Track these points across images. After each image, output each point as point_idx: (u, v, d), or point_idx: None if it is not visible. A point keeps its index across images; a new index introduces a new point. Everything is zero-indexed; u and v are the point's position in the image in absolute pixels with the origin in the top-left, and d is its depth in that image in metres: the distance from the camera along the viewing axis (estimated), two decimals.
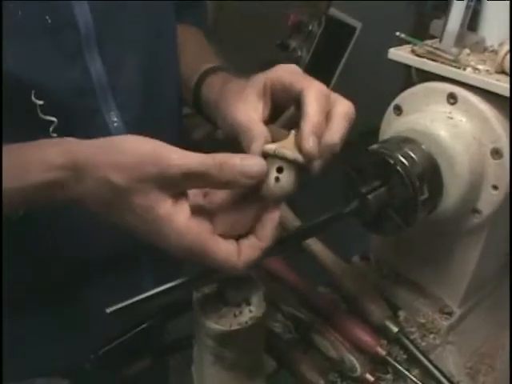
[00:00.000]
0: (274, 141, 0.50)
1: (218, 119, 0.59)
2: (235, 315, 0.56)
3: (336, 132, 0.49)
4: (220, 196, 0.48)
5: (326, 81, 0.87)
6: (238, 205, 0.47)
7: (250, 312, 0.56)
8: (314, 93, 0.49)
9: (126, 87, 0.64)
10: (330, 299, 0.71)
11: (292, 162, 0.47)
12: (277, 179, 0.46)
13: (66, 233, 0.66)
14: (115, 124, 0.65)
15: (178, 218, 0.44)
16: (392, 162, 0.56)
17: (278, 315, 0.70)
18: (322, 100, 0.49)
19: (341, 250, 0.77)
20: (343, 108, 0.50)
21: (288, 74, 0.52)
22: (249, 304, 0.57)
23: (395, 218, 0.57)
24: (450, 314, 0.69)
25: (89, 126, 0.62)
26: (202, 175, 0.43)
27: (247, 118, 0.51)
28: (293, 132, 0.49)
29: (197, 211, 0.46)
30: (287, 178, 0.47)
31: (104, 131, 0.64)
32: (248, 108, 0.52)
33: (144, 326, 0.64)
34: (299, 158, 0.47)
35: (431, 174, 0.59)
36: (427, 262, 0.71)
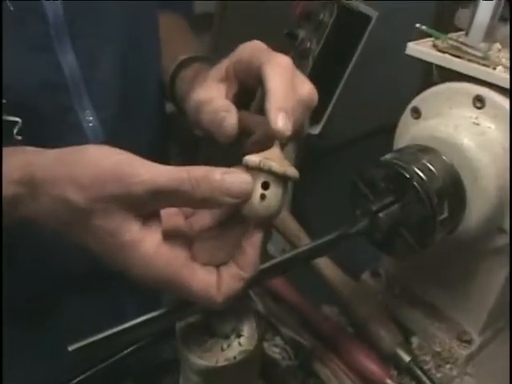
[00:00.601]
0: (246, 131, 0.47)
1: (188, 115, 0.53)
2: (222, 349, 0.50)
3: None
4: (204, 218, 0.45)
5: (337, 75, 0.84)
6: (223, 228, 0.43)
7: (239, 345, 0.50)
8: (274, 66, 0.44)
9: (102, 83, 0.60)
10: (334, 322, 0.67)
11: (280, 177, 0.42)
12: (262, 197, 0.41)
13: (43, 246, 0.61)
14: (90, 124, 0.60)
15: (146, 243, 0.39)
16: (407, 175, 0.50)
17: (277, 338, 0.65)
18: (285, 74, 0.44)
19: (349, 263, 0.72)
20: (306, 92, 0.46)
21: (248, 51, 0.47)
22: (239, 335, 0.51)
23: (409, 239, 0.52)
24: (469, 341, 0.64)
25: (60, 127, 0.57)
26: (175, 193, 0.38)
27: (208, 94, 0.48)
28: (277, 141, 0.44)
29: (172, 235, 0.42)
30: (274, 196, 0.42)
31: (78, 132, 0.59)
32: (208, 89, 0.48)
33: (127, 351, 0.58)
34: (290, 172, 0.42)
35: (453, 189, 0.53)
36: (445, 282, 0.66)
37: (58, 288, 0.66)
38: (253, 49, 0.48)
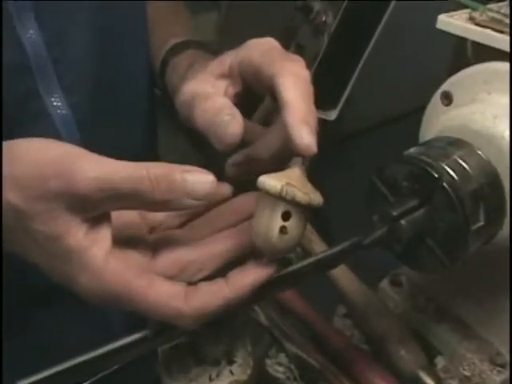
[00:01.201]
0: (245, 142, 0.45)
1: (178, 110, 0.49)
2: (211, 378, 0.45)
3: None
4: (176, 222, 0.44)
5: (355, 54, 0.77)
6: (195, 233, 0.43)
7: (231, 374, 0.45)
8: (289, 77, 0.42)
9: (73, 65, 0.55)
10: (346, 337, 0.61)
11: (303, 206, 0.39)
12: (282, 230, 0.38)
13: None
14: (59, 111, 0.54)
15: (92, 251, 0.37)
16: (435, 174, 0.45)
17: (281, 355, 0.60)
18: (303, 85, 0.42)
19: (365, 268, 0.66)
20: None
21: (259, 54, 0.44)
22: (231, 362, 0.45)
23: (436, 252, 0.46)
24: (503, 366, 0.58)
25: (24, 114, 0.52)
26: (131, 192, 0.36)
27: (204, 89, 0.45)
28: (300, 161, 0.41)
29: (131, 242, 0.40)
30: (295, 228, 0.39)
31: (44, 120, 0.54)
32: (205, 83, 0.46)
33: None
34: (315, 200, 0.39)
35: (490, 191, 0.47)
36: (478, 294, 0.60)
37: (35, 300, 0.62)
38: (264, 51, 0.45)
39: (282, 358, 0.59)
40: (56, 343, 0.57)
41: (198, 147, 0.87)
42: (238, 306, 0.40)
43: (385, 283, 0.66)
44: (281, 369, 0.59)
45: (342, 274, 0.62)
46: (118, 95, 0.61)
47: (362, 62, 0.75)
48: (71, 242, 0.36)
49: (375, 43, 0.79)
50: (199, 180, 0.38)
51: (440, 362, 0.60)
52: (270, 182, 0.39)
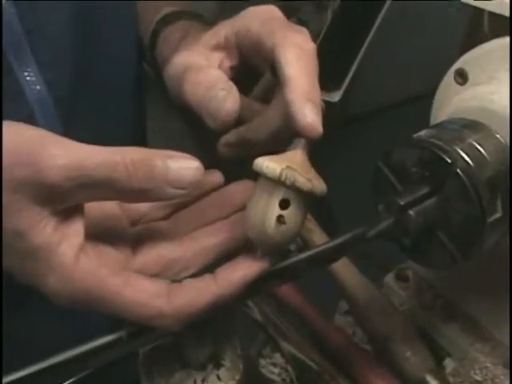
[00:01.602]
0: (239, 119, 0.42)
1: (167, 85, 0.47)
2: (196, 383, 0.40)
3: None
4: (160, 213, 0.43)
5: (361, 32, 0.74)
6: (181, 226, 0.41)
7: (218, 379, 0.42)
8: (292, 49, 0.40)
9: (50, 37, 0.52)
10: (347, 336, 0.59)
11: (304, 193, 0.37)
12: (280, 219, 0.36)
13: None
14: (32, 86, 0.51)
15: (61, 248, 0.35)
16: (448, 159, 0.42)
17: (276, 355, 0.58)
18: (306, 58, 0.40)
19: (368, 261, 0.65)
20: None
21: (258, 23, 0.42)
22: (218, 365, 0.42)
23: (448, 246, 0.43)
24: None
25: None
26: (104, 181, 0.34)
27: (196, 60, 0.44)
28: (303, 143, 0.38)
29: (108, 236, 0.38)
30: (294, 218, 0.37)
31: (18, 98, 0.51)
32: (198, 55, 0.44)
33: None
34: (317, 187, 0.37)
35: (508, 179, 0.44)
36: (490, 291, 0.57)
37: (6, 299, 0.58)
38: (264, 20, 0.43)
39: (278, 358, 0.58)
40: (30, 344, 0.54)
41: (191, 129, 0.84)
42: (227, 304, 0.37)
43: (390, 278, 0.64)
44: (276, 370, 0.57)
45: (342, 267, 0.60)
46: (101, 72, 0.59)
47: (367, 40, 0.73)
48: (38, 238, 0.34)
49: (383, 22, 0.77)
50: (182, 166, 0.35)
51: (449, 364, 0.58)
52: (269, 164, 0.36)
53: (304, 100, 0.38)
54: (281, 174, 0.36)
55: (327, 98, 0.73)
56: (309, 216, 0.63)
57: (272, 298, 0.61)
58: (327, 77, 0.64)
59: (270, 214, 0.36)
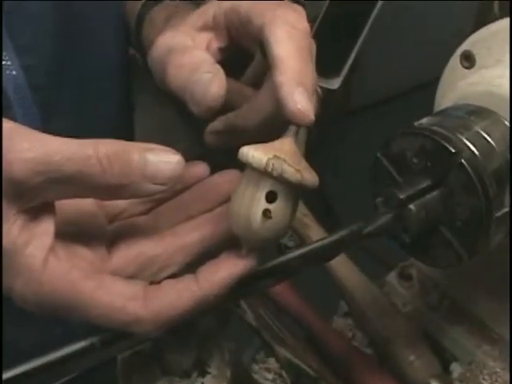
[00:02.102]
0: (227, 105, 0.42)
1: (151, 69, 0.46)
2: None
3: None
4: (140, 208, 0.42)
5: (361, 14, 0.73)
6: (159, 223, 0.40)
7: None
8: (282, 27, 0.39)
9: (28, 19, 0.51)
10: (347, 340, 0.59)
11: (293, 186, 0.36)
12: (266, 213, 0.35)
13: None
14: (8, 71, 0.51)
15: (29, 250, 0.34)
16: (452, 149, 0.41)
17: (270, 360, 0.57)
18: (299, 37, 0.39)
19: (369, 259, 0.67)
20: None
21: (248, 2, 0.41)
22: (203, 373, 0.42)
23: (453, 243, 0.43)
24: None
25: None
26: (74, 176, 0.33)
27: (181, 41, 0.43)
28: (293, 131, 0.37)
29: (83, 235, 0.38)
30: (282, 212, 0.36)
31: None
32: (183, 36, 0.43)
33: None
34: (307, 179, 0.36)
35: None
36: (499, 291, 0.56)
37: None
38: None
39: (272, 362, 0.57)
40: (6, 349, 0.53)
41: (183, 119, 0.83)
42: (212, 307, 0.36)
43: (392, 276, 0.63)
44: (270, 375, 0.57)
45: (341, 265, 0.60)
46: (84, 58, 0.58)
47: (368, 24, 0.72)
48: (5, 240, 0.33)
49: (384, 7, 0.76)
50: (161, 160, 0.35)
51: (456, 369, 0.57)
52: (255, 153, 0.35)
53: (294, 83, 0.37)
54: (267, 164, 0.35)
55: (326, 86, 0.72)
56: (306, 211, 0.63)
57: (266, 299, 0.60)
58: (326, 63, 0.63)
59: (256, 207, 0.35)
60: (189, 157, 0.45)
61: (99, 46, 0.59)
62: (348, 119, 1.60)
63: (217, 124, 0.45)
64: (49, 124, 0.54)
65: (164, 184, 0.35)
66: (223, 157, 0.47)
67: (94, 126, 0.56)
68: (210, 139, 0.46)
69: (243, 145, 0.36)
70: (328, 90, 0.76)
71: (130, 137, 0.67)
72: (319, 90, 0.43)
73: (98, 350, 0.35)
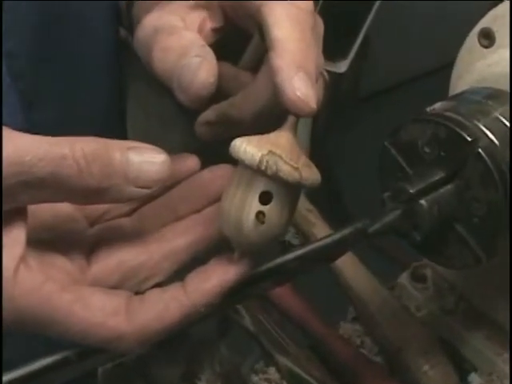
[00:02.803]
0: (222, 92, 0.41)
1: (137, 52, 0.45)
2: None
3: None
4: (124, 209, 0.41)
5: None
6: (156, 228, 0.39)
7: None
8: (282, 5, 0.38)
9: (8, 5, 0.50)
10: (355, 347, 0.59)
11: (289, 185, 0.35)
12: (259, 216, 0.35)
13: None
14: None
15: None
16: (468, 137, 0.41)
17: (270, 370, 0.57)
18: (301, 17, 0.38)
19: (378, 258, 0.66)
20: None
21: None
22: None
23: (469, 242, 0.43)
24: None
25: None
26: (48, 178, 0.33)
27: (168, 21, 0.42)
28: (291, 119, 0.36)
29: (60, 241, 0.37)
30: (276, 215, 0.35)
31: None
32: (171, 15, 0.43)
33: None
34: (307, 177, 0.35)
35: None
36: None
37: None
38: None
39: (272, 373, 0.57)
40: None
41: (179, 109, 0.82)
42: (202, 317, 0.36)
43: (404, 278, 0.63)
44: None
45: (348, 266, 0.60)
46: (69, 41, 0.57)
47: (376, 3, 0.70)
48: None
49: None
50: (146, 160, 0.34)
51: (474, 379, 0.57)
52: (248, 148, 0.34)
53: (294, 68, 0.36)
54: (261, 161, 0.34)
55: (333, 69, 0.72)
56: (310, 206, 0.64)
57: (266, 303, 0.61)
58: (332, 45, 0.63)
59: (248, 209, 0.35)
60: (188, 151, 0.45)
61: (86, 29, 0.59)
62: (359, 106, 1.63)
63: (209, 114, 0.45)
64: (31, 113, 0.54)
65: (148, 187, 0.34)
66: (225, 151, 0.46)
67: (80, 116, 0.56)
68: (202, 131, 0.46)
69: (238, 137, 0.36)
70: (335, 74, 0.76)
71: (120, 129, 0.67)
72: (326, 75, 0.42)
73: (74, 364, 0.34)
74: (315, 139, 0.97)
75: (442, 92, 0.54)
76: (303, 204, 0.63)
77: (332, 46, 0.65)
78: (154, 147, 0.35)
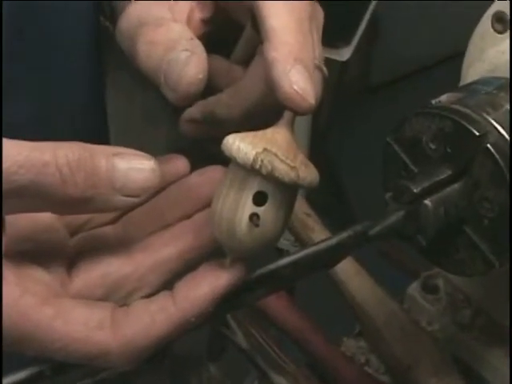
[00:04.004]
0: (213, 86, 0.44)
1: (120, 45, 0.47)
2: None
3: None
4: (108, 217, 0.43)
5: None
6: (143, 237, 0.41)
7: None
8: None
9: None
10: (359, 366, 0.60)
11: (285, 185, 0.36)
12: (253, 218, 0.36)
13: None
14: None
15: None
16: (476, 131, 0.42)
17: None
18: (297, 5, 0.39)
19: (384, 266, 0.67)
20: None
21: None
22: None
23: (479, 246, 0.44)
24: None
25: None
26: (28, 187, 0.34)
27: (153, 11, 0.43)
28: (287, 115, 0.38)
29: (40, 253, 0.38)
30: (272, 218, 0.37)
31: None
32: (156, 5, 0.44)
33: None
34: (305, 177, 0.37)
35: None
36: None
37: None
38: None
39: None
40: None
41: (167, 104, 0.84)
42: (193, 328, 0.37)
43: (414, 289, 0.64)
44: None
45: (350, 274, 0.61)
46: (46, 31, 0.58)
47: None
48: None
49: None
50: (133, 167, 0.35)
51: None
52: (241, 145, 0.35)
53: (290, 60, 0.37)
54: (255, 159, 0.35)
55: (335, 57, 0.73)
56: (309, 210, 0.65)
57: (260, 317, 0.61)
58: (334, 29, 0.64)
59: (241, 211, 0.36)
60: (174, 150, 0.46)
61: (64, 16, 0.60)
62: (366, 99, 1.64)
63: (194, 110, 0.46)
64: (3, 109, 0.55)
65: (136, 196, 0.35)
66: (216, 150, 0.48)
67: (56, 112, 0.57)
68: (186, 128, 0.47)
69: (227, 134, 0.37)
70: (338, 63, 0.77)
71: (100, 127, 0.68)
72: (325, 70, 0.44)
73: (49, 379, 0.36)
74: (316, 137, 0.98)
75: (457, 83, 0.55)
76: (301, 207, 0.64)
77: (334, 32, 0.67)
78: (141, 153, 0.36)
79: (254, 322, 0.62)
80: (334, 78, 1.00)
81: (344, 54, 0.73)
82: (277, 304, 0.61)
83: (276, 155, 0.35)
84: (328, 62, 0.69)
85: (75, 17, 0.61)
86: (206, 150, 0.49)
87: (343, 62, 0.77)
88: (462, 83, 0.52)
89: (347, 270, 0.61)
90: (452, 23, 1.55)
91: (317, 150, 1.12)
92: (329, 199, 0.69)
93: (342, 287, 0.61)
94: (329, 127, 1.13)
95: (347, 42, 0.73)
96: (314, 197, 0.69)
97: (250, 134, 0.36)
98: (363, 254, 0.56)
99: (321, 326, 0.61)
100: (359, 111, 1.53)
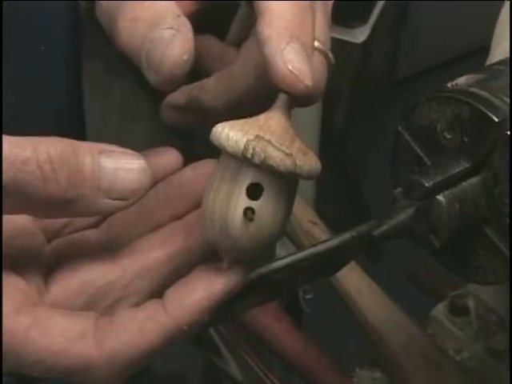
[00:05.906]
0: (206, 69, 0.47)
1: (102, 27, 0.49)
2: None
3: None
4: (89, 220, 0.45)
5: None
6: (129, 240, 0.43)
7: None
8: None
9: None
10: None
11: (282, 175, 0.39)
12: (247, 213, 0.39)
13: None
14: None
15: None
16: (495, 117, 0.44)
17: None
18: None
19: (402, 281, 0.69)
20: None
21: None
22: None
23: (501, 248, 0.45)
24: None
25: None
26: (9, 186, 0.36)
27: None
28: (283, 98, 0.40)
29: (15, 260, 0.40)
30: (268, 212, 0.39)
31: None
32: None
33: None
34: (303, 164, 0.39)
35: None
36: None
37: None
38: None
39: None
40: None
41: (151, 93, 0.86)
42: (185, 338, 0.40)
43: (440, 310, 0.65)
44: None
45: (363, 292, 0.63)
46: (16, 13, 0.59)
47: None
48: None
49: None
50: (121, 166, 0.38)
51: None
52: (231, 133, 0.38)
53: (286, 37, 0.39)
54: (246, 147, 0.37)
55: (350, 38, 0.75)
56: (316, 218, 0.66)
57: (257, 343, 0.63)
58: (348, 7, 0.67)
59: (234, 206, 0.39)
60: (154, 145, 0.48)
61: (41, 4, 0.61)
62: (393, 92, 1.67)
63: (177, 96, 0.49)
64: None
65: (124, 198, 0.38)
66: (204, 144, 0.51)
67: (28, 103, 0.59)
68: (168, 115, 0.50)
69: (215, 123, 0.39)
70: (362, 51, 0.79)
71: (77, 120, 0.70)
72: (331, 56, 0.46)
73: None
74: (331, 137, 1.01)
75: None
76: (307, 215, 0.65)
77: (348, 9, 0.68)
78: (130, 151, 0.39)
79: (249, 348, 0.63)
80: (353, 67, 1.02)
81: (360, 34, 0.74)
82: (276, 327, 0.63)
83: (270, 142, 0.38)
84: (347, 47, 0.72)
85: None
86: (191, 149, 0.52)
87: (364, 50, 0.79)
88: (488, 63, 0.53)
89: (358, 286, 0.63)
90: (485, 12, 1.59)
91: (332, 152, 1.14)
92: (343, 208, 0.71)
93: (352, 307, 0.63)
94: (347, 126, 1.15)
95: (363, 21, 0.75)
96: (326, 205, 0.72)
97: (241, 121, 0.39)
98: (377, 268, 0.59)
99: (328, 354, 0.63)
100: (385, 106, 1.55)
